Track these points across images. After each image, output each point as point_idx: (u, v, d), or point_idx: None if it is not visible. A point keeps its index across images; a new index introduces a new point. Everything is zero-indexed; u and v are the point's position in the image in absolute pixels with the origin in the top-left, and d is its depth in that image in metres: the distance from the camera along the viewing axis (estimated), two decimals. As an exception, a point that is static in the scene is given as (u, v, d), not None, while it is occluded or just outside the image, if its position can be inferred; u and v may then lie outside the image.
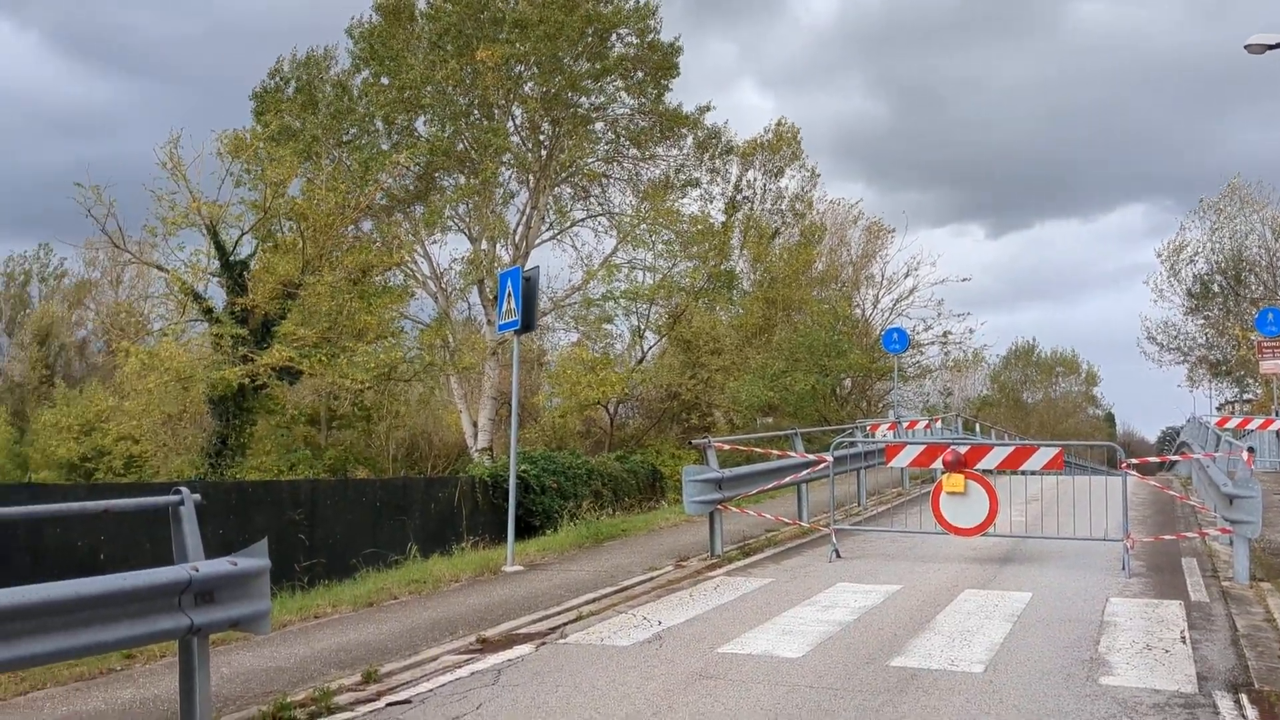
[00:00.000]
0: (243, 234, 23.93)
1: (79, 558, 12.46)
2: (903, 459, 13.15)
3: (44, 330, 45.02)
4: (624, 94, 31.49)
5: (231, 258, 23.50)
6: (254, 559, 6.33)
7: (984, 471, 12.20)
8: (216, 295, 24.33)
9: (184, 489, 6.20)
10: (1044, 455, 11.99)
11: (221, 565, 6.10)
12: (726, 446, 14.33)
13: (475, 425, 30.49)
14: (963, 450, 12.18)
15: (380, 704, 6.68)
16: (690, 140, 33.21)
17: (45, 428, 31.28)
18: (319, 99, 30.66)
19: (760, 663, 7.50)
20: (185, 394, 23.12)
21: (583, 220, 32.88)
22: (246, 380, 22.36)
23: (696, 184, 33.75)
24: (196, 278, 23.71)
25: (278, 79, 31.78)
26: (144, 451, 26.28)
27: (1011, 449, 12.71)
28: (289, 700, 6.52)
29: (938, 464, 12.38)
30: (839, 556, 12.32)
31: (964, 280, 49.28)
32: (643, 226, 30.93)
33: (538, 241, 31.92)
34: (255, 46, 74.93)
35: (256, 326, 23.20)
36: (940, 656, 7.62)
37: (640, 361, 34.59)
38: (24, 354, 44.61)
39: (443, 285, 31.54)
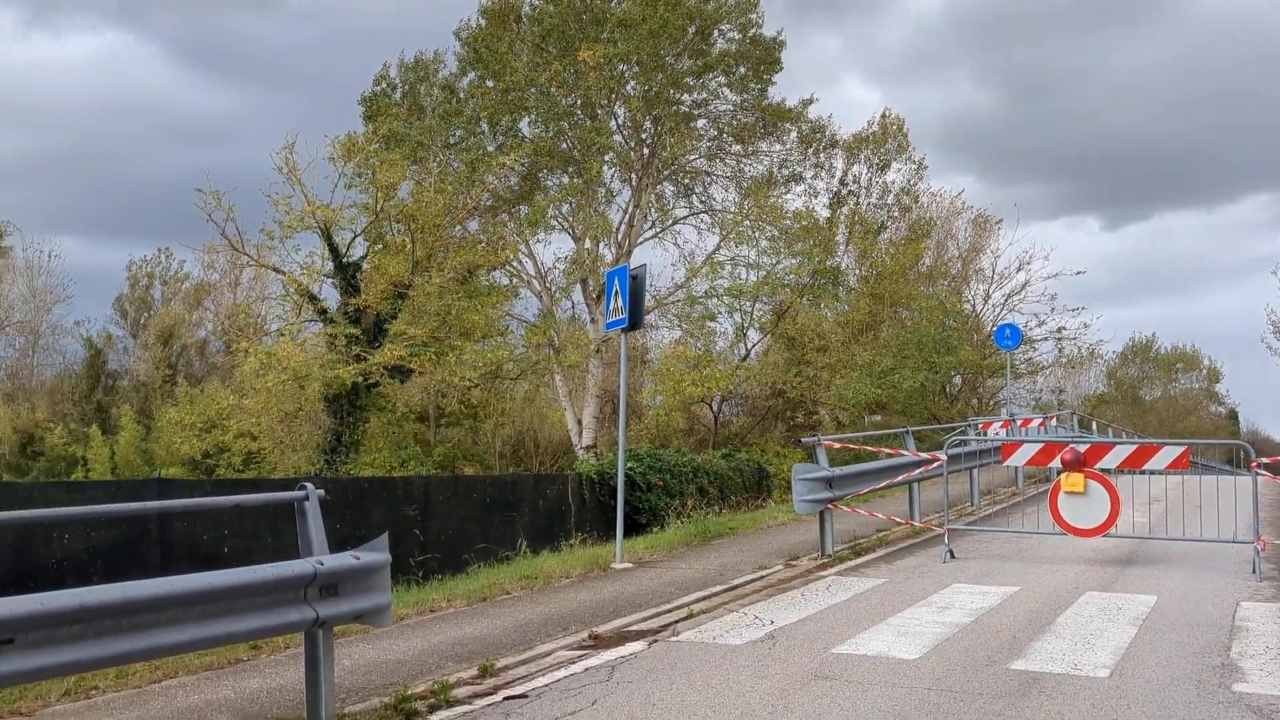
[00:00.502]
0: (355, 236, 24.48)
1: (204, 551, 12.86)
2: (1019, 457, 12.84)
3: (166, 331, 46.70)
4: (726, 90, 31.39)
5: (344, 259, 24.06)
6: (375, 553, 6.47)
7: (1104, 471, 11.85)
8: (330, 296, 24.96)
9: (309, 485, 6.35)
10: (1168, 454, 11.58)
11: (345, 559, 6.24)
12: (836, 445, 14.18)
13: (580, 423, 30.72)
14: (1082, 449, 11.84)
15: (497, 698, 6.77)
16: (794, 135, 32.93)
17: (169, 425, 32.44)
18: (425, 103, 31.22)
19: (876, 664, 7.40)
20: (301, 392, 23.74)
21: (685, 218, 32.87)
22: (360, 379, 22.88)
23: (800, 179, 33.49)
24: (312, 279, 24.33)
25: (384, 84, 32.46)
26: (262, 448, 27.08)
27: (1134, 448, 12.29)
28: (410, 693, 6.65)
29: (1055, 463, 12.07)
30: (953, 557, 12.09)
31: (1078, 274, 48.08)
32: (746, 223, 30.77)
33: (640, 240, 32.03)
34: (366, 51, 76.58)
35: (369, 326, 23.71)
36: (1063, 660, 7.42)
37: (744, 359, 34.42)
38: (148, 354, 46.35)
39: (547, 284, 31.83)
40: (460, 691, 6.86)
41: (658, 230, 32.56)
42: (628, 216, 31.67)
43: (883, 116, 37.86)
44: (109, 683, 7.15)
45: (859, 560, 12.38)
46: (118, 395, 44.22)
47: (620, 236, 31.42)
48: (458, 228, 27.97)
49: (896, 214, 38.07)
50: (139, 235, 78.54)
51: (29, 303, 47.75)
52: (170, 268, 51.01)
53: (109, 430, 38.64)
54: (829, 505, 12.47)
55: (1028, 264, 35.33)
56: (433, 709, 6.51)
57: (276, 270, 25.73)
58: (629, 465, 18.42)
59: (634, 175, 31.34)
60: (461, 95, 30.75)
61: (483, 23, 30.78)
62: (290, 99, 75.72)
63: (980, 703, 6.40)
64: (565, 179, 30.80)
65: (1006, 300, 36.05)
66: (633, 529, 16.17)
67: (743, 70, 30.94)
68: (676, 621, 9.02)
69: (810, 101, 32.37)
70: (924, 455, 14.11)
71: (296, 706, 6.44)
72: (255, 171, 54.30)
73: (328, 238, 23.78)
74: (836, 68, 76.59)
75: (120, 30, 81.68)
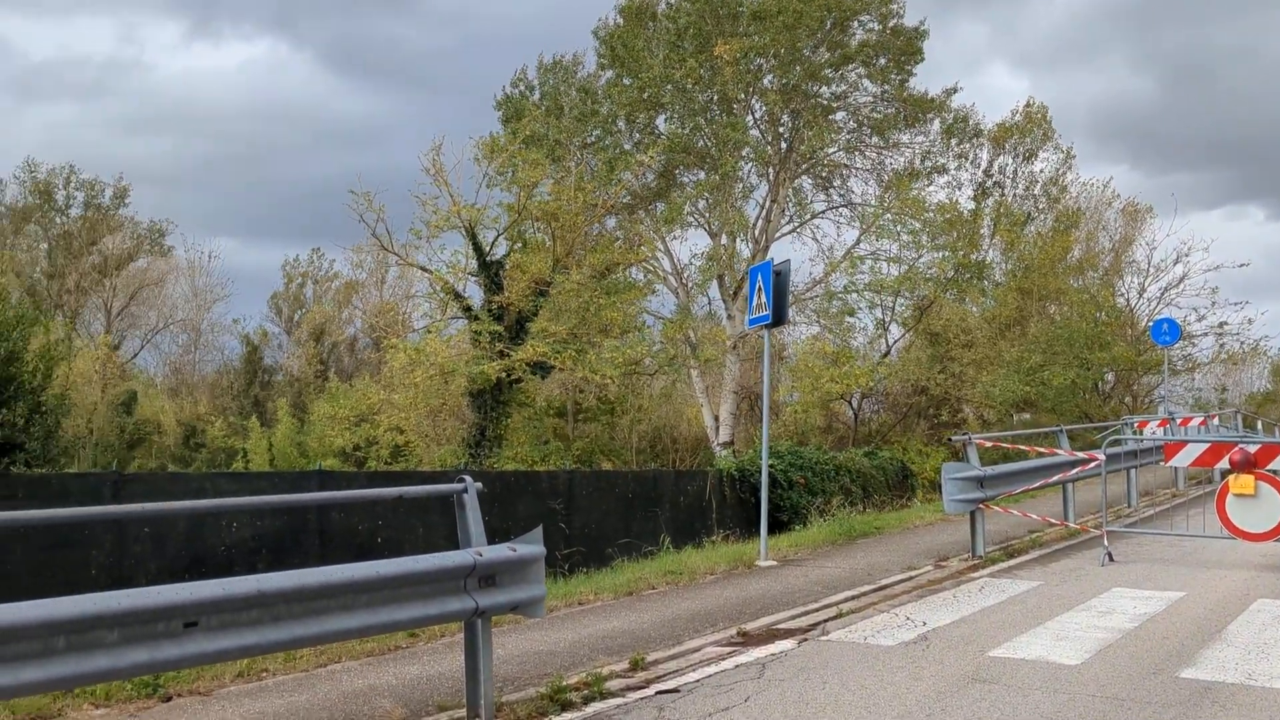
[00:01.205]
0: (498, 235, 24.98)
1: (359, 540, 13.31)
2: (1183, 458, 12.28)
3: (318, 328, 48.53)
4: (866, 81, 30.89)
5: (488, 258, 24.57)
6: (531, 546, 6.60)
7: (1275, 472, 11.24)
8: (473, 293, 25.52)
9: (467, 478, 6.51)
10: (1349, 455, 10.92)
11: (502, 551, 6.38)
12: (988, 443, 13.82)
13: (716, 419, 30.67)
14: (1252, 449, 11.26)
15: (650, 691, 6.82)
16: (936, 126, 32.19)
17: (322, 418, 33.67)
18: (564, 104, 31.59)
19: (1035, 668, 7.18)
20: (446, 387, 24.33)
21: (823, 212, 32.46)
22: (503, 374, 23.34)
23: (943, 171, 32.69)
24: (457, 277, 24.94)
25: (521, 87, 33.01)
26: (409, 441, 27.86)
27: (1309, 448, 11.63)
28: (564, 683, 6.74)
29: (1222, 464, 11.51)
30: (1112, 560, 11.65)
31: (1242, 266, 45.23)
32: (887, 216, 30.21)
33: (777, 235, 31.75)
34: (507, 54, 78.09)
35: (511, 323, 24.16)
36: (1236, 670, 7.07)
37: (885, 355, 33.83)
38: (301, 350, 48.27)
39: (683, 280, 31.86)
40: (613, 684, 6.93)
41: (795, 225, 32.27)
42: (765, 211, 31.46)
43: (1027, 105, 36.75)
44: (278, 665, 7.46)
45: (1012, 562, 12.05)
46: (273, 389, 46.17)
47: (757, 232, 31.23)
48: (595, 226, 28.25)
49: (1044, 205, 36.87)
50: (291, 235, 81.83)
51: (191, 301, 50.32)
52: (322, 267, 53.03)
53: (266, 423, 40.34)
54: (980, 505, 12.16)
55: (1186, 256, 33.65)
56: (587, 700, 6.59)
57: (424, 269, 26.41)
58: (770, 462, 18.31)
59: (771, 170, 31.11)
60: (599, 94, 31.01)
61: (620, 21, 30.99)
62: (432, 102, 77.69)
63: (1149, 711, 6.15)
64: (702, 175, 30.77)
65: (1163, 294, 34.44)
66: (774, 527, 16.06)
67: (883, 61, 30.38)
68: (825, 621, 8.93)
69: (953, 91, 31.61)
70: (1080, 455, 13.62)
71: (455, 694, 6.60)
72: (397, 173, 55.96)
73: (472, 237, 24.32)
74: (982, 55, 74.53)
75: (274, 38, 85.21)
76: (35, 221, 48.05)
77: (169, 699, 6.68)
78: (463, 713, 6.22)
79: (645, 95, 29.59)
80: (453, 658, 7.57)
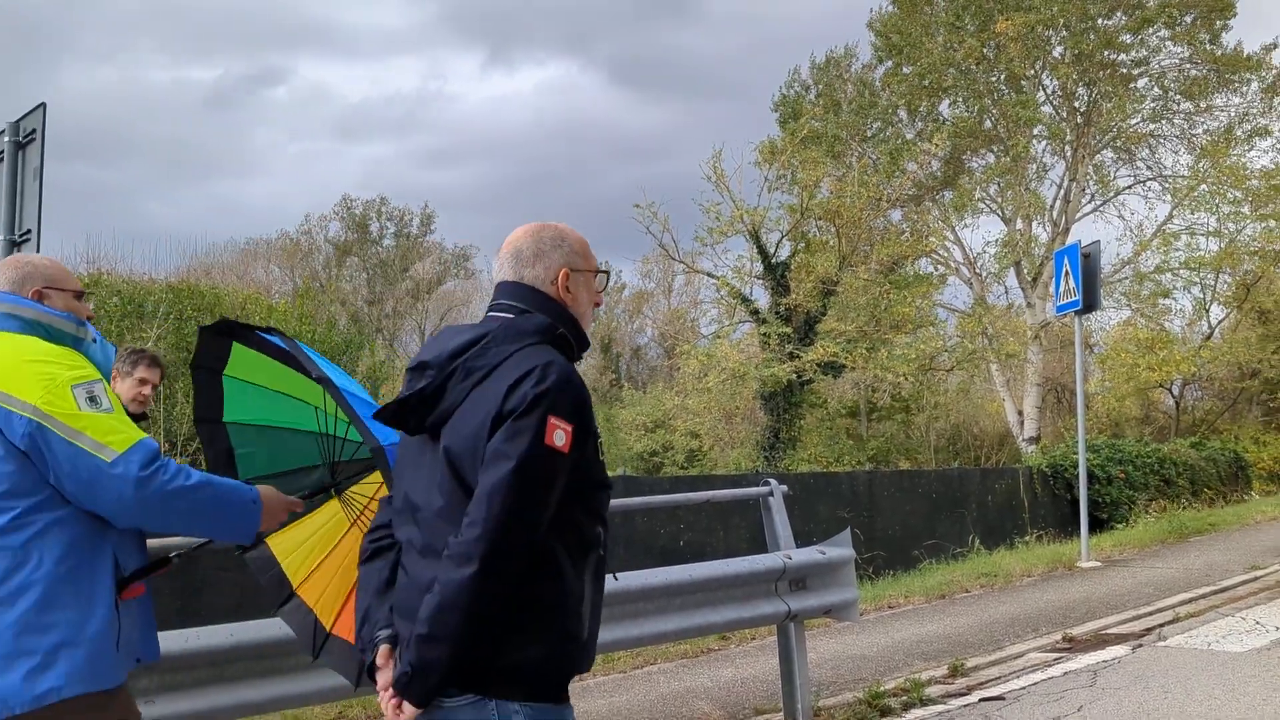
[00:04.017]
0: (782, 237, 24.94)
1: (661, 544, 13.56)
2: None
3: (607, 338, 50.28)
4: (1170, 43, 28.60)
5: (772, 260, 24.59)
6: (839, 548, 6.49)
7: None
8: (759, 296, 25.63)
9: (772, 480, 6.51)
10: None
11: (811, 554, 6.31)
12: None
13: (1020, 414, 29.26)
14: None
15: (972, 699, 6.55)
16: (1254, 85, 29.30)
17: (622, 425, 34.73)
18: (840, 99, 31.15)
19: None
20: (738, 391, 24.53)
21: (1129, 187, 30.30)
22: (794, 376, 23.28)
23: (1265, 133, 29.72)
24: (743, 281, 25.13)
25: (796, 86, 32.85)
26: (702, 446, 28.28)
27: None
28: (882, 689, 6.59)
29: None
30: None
31: None
32: (1202, 188, 27.81)
33: (1078, 215, 29.96)
34: (794, 55, 77.61)
35: (799, 324, 24.07)
36: None
37: (1207, 338, 31.14)
38: (595, 361, 50.13)
39: (977, 270, 30.63)
40: (932, 690, 6.70)
41: (1098, 203, 30.34)
42: (1063, 191, 29.76)
43: (1368, 50, 32.74)
44: (596, 666, 7.70)
45: (1378, 561, 10.77)
46: (571, 400, 48.19)
47: (1055, 214, 29.60)
48: (880, 220, 27.66)
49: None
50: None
51: (494, 321, 53.36)
52: (612, 278, 54.92)
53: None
54: (1336, 498, 10.93)
55: None
56: (906, 706, 6.41)
57: (710, 275, 26.78)
58: (1086, 456, 17.26)
59: (1068, 147, 29.37)
60: (876, 85, 30.39)
61: (894, 9, 30.26)
62: (717, 107, 78.24)
63: None
64: (991, 159, 29.50)
65: None
66: (1093, 525, 15.07)
67: (1188, 19, 28.04)
68: (1161, 625, 8.28)
69: (1273, 46, 28.67)
70: None
71: (770, 697, 6.58)
72: (681, 181, 56.72)
73: (756, 240, 24.42)
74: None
75: (565, 60, 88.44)
76: (354, 254, 52.44)
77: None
78: (779, 717, 6.20)
79: (926, 82, 28.72)
80: (765, 660, 7.57)
